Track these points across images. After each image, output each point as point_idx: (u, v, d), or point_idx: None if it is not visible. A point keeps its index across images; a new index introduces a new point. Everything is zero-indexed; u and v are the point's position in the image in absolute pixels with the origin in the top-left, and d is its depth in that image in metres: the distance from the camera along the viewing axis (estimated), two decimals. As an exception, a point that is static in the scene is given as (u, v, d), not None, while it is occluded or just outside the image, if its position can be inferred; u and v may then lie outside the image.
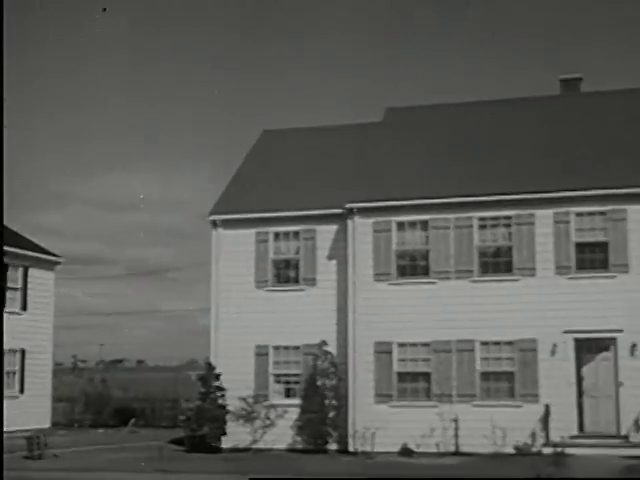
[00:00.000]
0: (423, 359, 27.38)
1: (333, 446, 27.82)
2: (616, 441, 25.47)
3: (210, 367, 28.64)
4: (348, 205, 28.09)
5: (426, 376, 27.33)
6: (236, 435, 28.40)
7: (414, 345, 27.45)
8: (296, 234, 29.22)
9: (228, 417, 28.36)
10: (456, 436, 26.53)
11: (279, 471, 23.56)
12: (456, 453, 26.31)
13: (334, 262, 28.73)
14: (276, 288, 29.14)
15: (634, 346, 25.84)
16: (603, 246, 26.59)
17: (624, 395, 25.82)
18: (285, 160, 32.21)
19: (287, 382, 28.88)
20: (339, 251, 28.64)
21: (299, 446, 28.14)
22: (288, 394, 28.82)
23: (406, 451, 26.48)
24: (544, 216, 26.93)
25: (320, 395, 27.79)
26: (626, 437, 25.55)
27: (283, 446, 28.22)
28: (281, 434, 28.26)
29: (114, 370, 75.49)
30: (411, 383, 27.48)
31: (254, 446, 28.33)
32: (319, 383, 27.84)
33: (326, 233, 28.97)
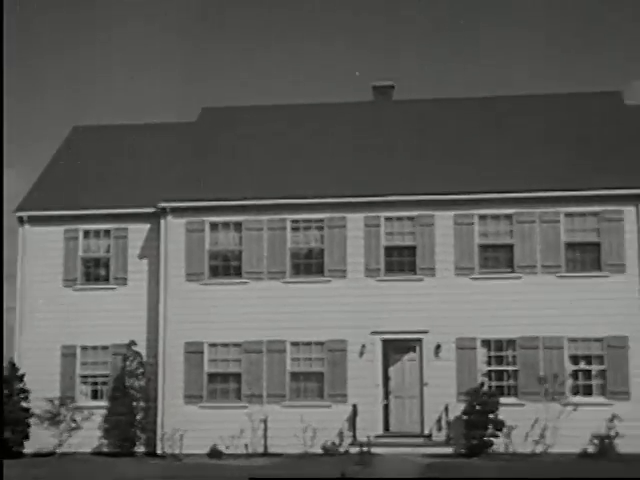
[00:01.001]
0: (234, 360, 27.38)
1: (141, 449, 27.44)
2: (420, 440, 26.18)
3: (13, 368, 27.69)
4: (161, 204, 27.80)
5: (237, 377, 27.34)
6: (40, 439, 27.55)
7: (225, 345, 27.42)
8: (107, 232, 28.67)
9: (32, 420, 27.49)
10: (265, 437, 26.65)
11: (81, 476, 23.05)
12: (265, 454, 26.42)
13: (146, 261, 28.37)
14: (85, 287, 28.50)
15: (438, 347, 26.66)
16: (411, 250, 27.32)
17: (428, 395, 26.58)
18: (97, 157, 31.52)
19: (95, 383, 28.28)
20: (151, 250, 28.30)
21: (106, 449, 27.61)
22: (96, 396, 28.23)
23: (215, 452, 26.38)
24: (355, 220, 27.43)
25: (129, 396, 27.33)
26: (429, 436, 26.31)
27: (89, 449, 27.61)
28: (88, 437, 27.62)
29: None
30: (222, 384, 27.42)
31: (59, 450, 27.57)
32: (128, 384, 27.38)
33: (138, 232, 28.56)
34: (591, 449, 25.47)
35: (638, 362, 25.97)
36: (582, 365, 26.40)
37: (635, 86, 56.77)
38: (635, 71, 61.83)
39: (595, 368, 26.30)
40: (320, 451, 26.16)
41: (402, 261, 27.37)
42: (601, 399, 26.08)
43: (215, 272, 27.87)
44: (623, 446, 25.23)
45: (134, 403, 27.34)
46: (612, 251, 26.55)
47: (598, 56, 60.75)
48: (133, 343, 27.53)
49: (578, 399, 26.14)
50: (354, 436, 26.31)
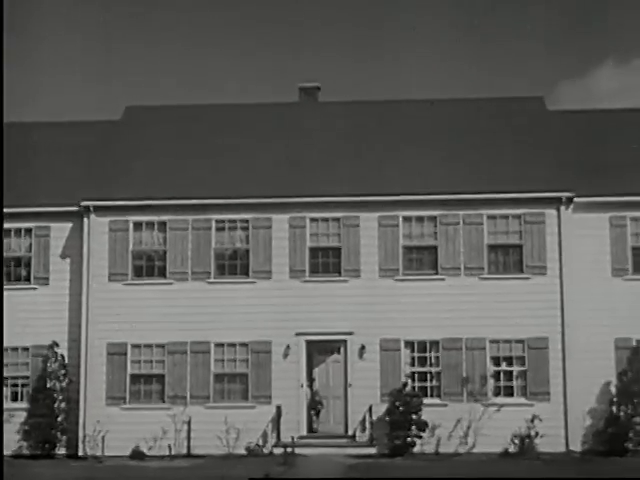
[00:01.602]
0: (158, 361, 27.16)
1: (62, 450, 27.05)
2: (343, 441, 26.24)
3: None
4: (84, 203, 27.48)
5: (160, 378, 27.12)
6: (-42, 441, 26.98)
7: (149, 346, 27.18)
8: (28, 231, 28.20)
9: (-51, 422, 26.90)
10: (188, 438, 26.48)
11: None
12: (188, 455, 26.25)
13: (68, 261, 27.99)
14: (5, 287, 27.86)
15: (363, 348, 26.76)
16: (336, 251, 27.38)
17: (352, 396, 26.67)
18: (19, 155, 30.88)
19: (15, 385, 27.77)
20: (74, 250, 27.93)
21: (26, 451, 27.14)
22: (16, 398, 27.74)
23: (137, 454, 26.14)
24: (280, 220, 27.41)
25: (50, 398, 26.91)
26: (353, 437, 26.39)
27: (9, 452, 27.05)
28: (8, 439, 26.98)
29: None
30: (145, 385, 27.18)
31: (-23, 453, 27.02)
32: (49, 386, 26.97)
33: (60, 231, 28.16)
34: (512, 449, 25.80)
35: (558, 363, 26.39)
36: (504, 366, 26.73)
37: (561, 86, 57.67)
38: (563, 72, 62.89)
39: (516, 369, 26.65)
40: (244, 452, 26.08)
41: (327, 262, 27.42)
42: (522, 400, 26.44)
43: (139, 272, 27.62)
44: (543, 446, 25.61)
45: (55, 405, 26.94)
46: (534, 253, 26.94)
47: (523, 61, 61.63)
48: (55, 344, 27.11)
49: (500, 400, 26.47)
50: (278, 437, 26.28)
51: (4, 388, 27.64)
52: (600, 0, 59.59)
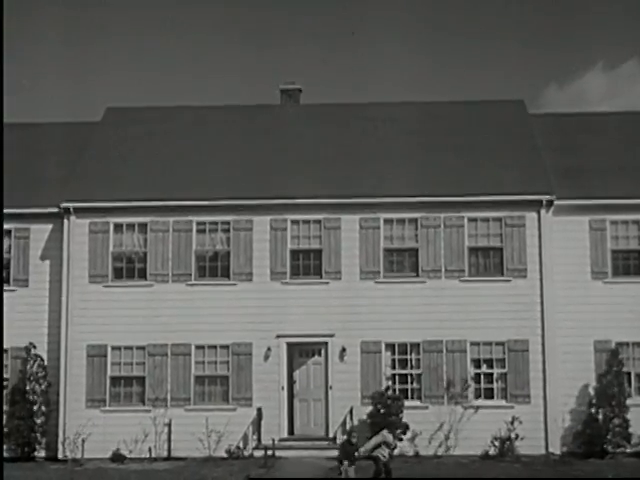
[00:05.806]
0: (138, 363, 27.08)
1: (42, 453, 26.90)
2: (324, 443, 26.23)
3: None
4: (64, 204, 27.36)
5: (141, 380, 27.04)
6: None
7: (129, 348, 27.10)
8: (8, 232, 28.00)
9: None
10: (169, 440, 26.40)
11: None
12: (169, 458, 26.18)
13: (48, 262, 27.84)
14: (-16, 289, 27.81)
15: (343, 350, 26.76)
16: (317, 253, 27.37)
17: (333, 398, 26.67)
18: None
19: (-7, 387, 27.60)
20: (54, 251, 27.78)
21: (6, 454, 26.92)
22: (-5, 399, 27.59)
23: (118, 456, 26.05)
24: (262, 222, 27.37)
25: (29, 401, 26.76)
26: (334, 439, 26.37)
27: (-13, 455, 26.96)
28: (-14, 442, 26.97)
29: None
30: (125, 387, 27.09)
31: (-45, 455, 26.84)
32: (28, 388, 26.82)
33: (40, 232, 28.00)
34: (492, 451, 25.86)
35: (538, 365, 26.47)
36: (484, 368, 26.79)
37: (549, 90, 57.87)
38: (551, 76, 63.17)
39: (497, 371, 26.71)
40: (224, 455, 26.04)
41: (308, 264, 27.40)
42: (502, 402, 26.51)
43: (119, 274, 27.52)
44: (523, 448, 25.71)
45: (35, 407, 26.79)
46: (514, 256, 27.00)
47: (510, 64, 61.86)
48: (33, 346, 26.95)
49: (480, 402, 26.53)
50: (259, 439, 26.25)
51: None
52: (588, 4, 59.96)
